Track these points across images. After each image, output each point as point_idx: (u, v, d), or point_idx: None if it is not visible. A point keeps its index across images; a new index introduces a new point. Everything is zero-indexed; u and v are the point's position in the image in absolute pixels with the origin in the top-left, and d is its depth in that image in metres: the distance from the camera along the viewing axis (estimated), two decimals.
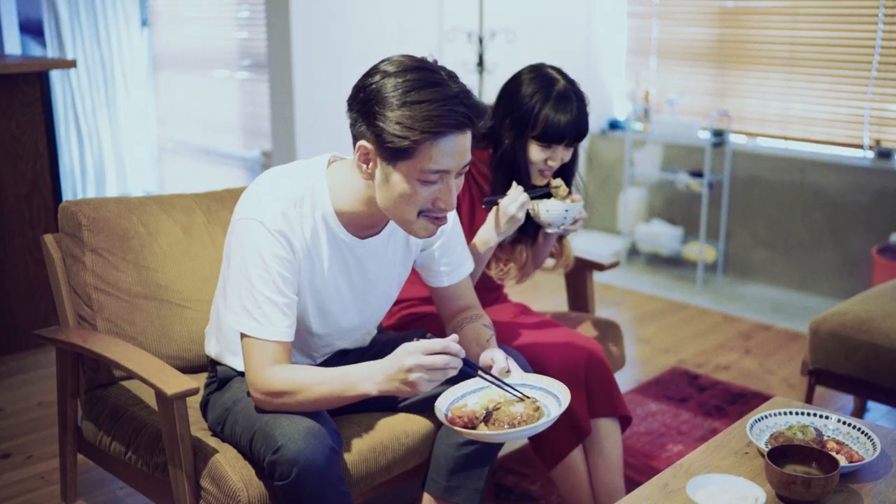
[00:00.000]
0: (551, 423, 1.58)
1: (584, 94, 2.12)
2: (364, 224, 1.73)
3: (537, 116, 2.07)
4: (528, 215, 2.12)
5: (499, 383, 1.65)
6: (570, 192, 2.16)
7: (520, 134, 2.10)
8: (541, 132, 2.07)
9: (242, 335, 1.65)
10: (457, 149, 1.55)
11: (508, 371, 1.71)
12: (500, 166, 2.14)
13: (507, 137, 2.12)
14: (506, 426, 1.55)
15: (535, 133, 2.08)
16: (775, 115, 4.40)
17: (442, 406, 1.62)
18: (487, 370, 1.68)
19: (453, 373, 1.53)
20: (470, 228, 2.18)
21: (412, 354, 1.50)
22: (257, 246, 1.62)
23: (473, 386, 1.70)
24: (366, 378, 1.57)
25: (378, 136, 1.54)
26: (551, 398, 1.66)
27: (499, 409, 1.60)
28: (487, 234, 2.09)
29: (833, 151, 4.22)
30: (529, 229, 2.25)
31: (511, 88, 2.13)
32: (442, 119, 1.51)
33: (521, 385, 1.69)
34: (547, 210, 2.09)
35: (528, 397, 1.64)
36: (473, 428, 1.57)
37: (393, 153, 1.54)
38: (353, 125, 1.61)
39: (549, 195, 2.13)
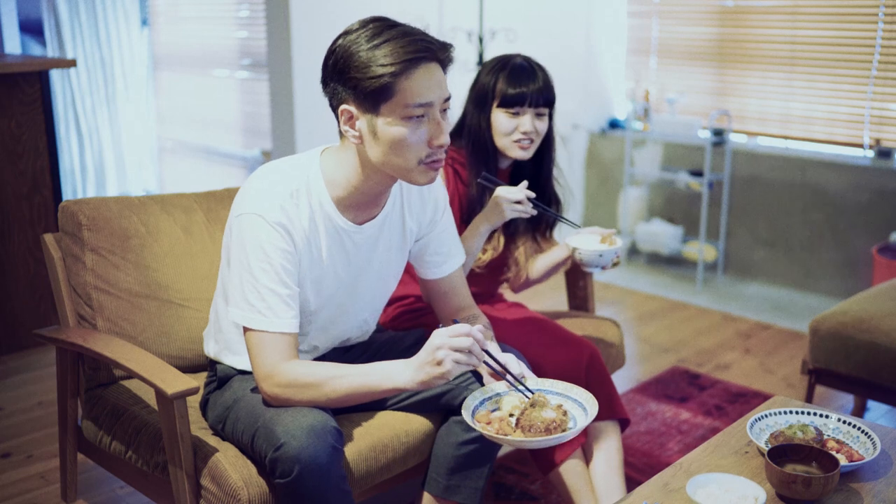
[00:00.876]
0: (586, 425, 1.59)
1: (544, 67, 2.18)
2: (359, 203, 1.73)
3: (496, 86, 2.13)
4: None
5: (521, 388, 1.66)
6: (563, 220, 2.18)
7: (483, 108, 2.15)
8: (501, 99, 2.12)
9: (247, 330, 1.65)
10: (432, 80, 1.60)
11: (523, 377, 1.71)
12: (468, 141, 2.18)
13: (472, 117, 2.18)
14: (543, 432, 1.55)
15: (498, 101, 2.13)
16: (775, 114, 4.40)
17: (469, 418, 1.61)
18: (508, 370, 1.68)
19: (476, 360, 1.53)
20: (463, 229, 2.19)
21: (438, 335, 1.53)
22: (258, 239, 1.63)
23: (484, 395, 1.69)
24: (399, 372, 1.58)
25: (356, 88, 1.58)
26: (570, 402, 1.67)
27: (524, 414, 1.59)
28: (477, 220, 2.10)
29: (833, 151, 4.22)
30: (520, 227, 2.27)
31: (473, 82, 2.21)
32: (409, 47, 1.56)
33: (546, 391, 1.69)
34: (579, 253, 2.11)
35: (532, 403, 1.64)
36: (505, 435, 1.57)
37: (373, 98, 1.57)
38: (331, 99, 1.65)
39: (549, 208, 2.15)
